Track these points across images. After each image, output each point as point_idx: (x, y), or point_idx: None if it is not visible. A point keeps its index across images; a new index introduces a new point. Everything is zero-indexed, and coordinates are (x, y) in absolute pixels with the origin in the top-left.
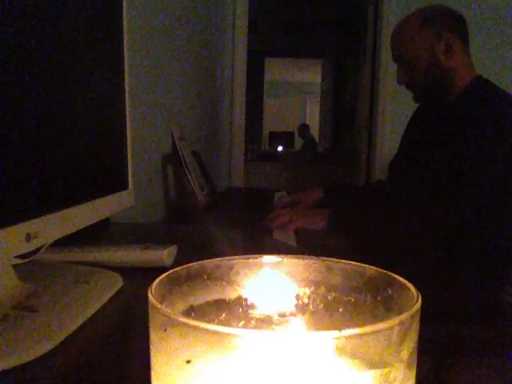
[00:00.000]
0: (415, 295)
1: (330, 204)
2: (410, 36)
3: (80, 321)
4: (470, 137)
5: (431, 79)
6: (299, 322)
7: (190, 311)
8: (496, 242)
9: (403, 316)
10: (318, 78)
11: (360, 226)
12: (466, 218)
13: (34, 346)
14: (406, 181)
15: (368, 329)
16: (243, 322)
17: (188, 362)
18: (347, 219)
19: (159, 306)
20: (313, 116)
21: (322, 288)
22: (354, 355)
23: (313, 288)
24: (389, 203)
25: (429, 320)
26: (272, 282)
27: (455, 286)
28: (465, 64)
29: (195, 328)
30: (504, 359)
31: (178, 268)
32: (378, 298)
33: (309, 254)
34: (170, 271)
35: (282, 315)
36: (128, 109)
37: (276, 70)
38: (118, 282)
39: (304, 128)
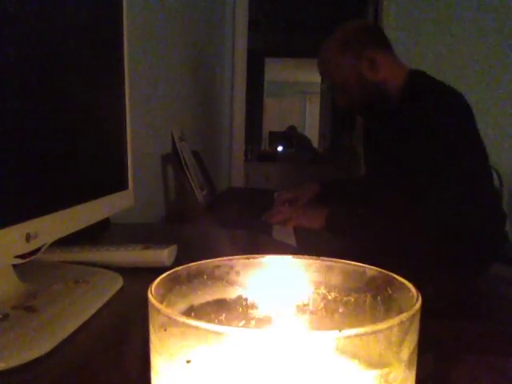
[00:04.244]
0: (415, 295)
1: (326, 199)
2: (334, 62)
3: (80, 321)
4: (419, 132)
5: (366, 95)
6: (299, 322)
7: (190, 311)
8: (480, 233)
9: (403, 316)
10: (318, 78)
11: (354, 229)
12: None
13: (34, 345)
14: (384, 183)
15: (368, 329)
16: (243, 321)
17: (188, 362)
18: (342, 221)
19: (159, 306)
20: (313, 116)
21: (322, 288)
22: (354, 355)
23: (313, 288)
24: (380, 203)
25: (429, 318)
26: (272, 281)
27: (454, 283)
28: (393, 69)
29: (195, 328)
30: (504, 358)
31: (178, 268)
32: (378, 298)
33: (309, 254)
34: (170, 271)
35: (282, 315)
36: (128, 109)
37: (276, 70)
38: (118, 282)
39: (291, 130)
